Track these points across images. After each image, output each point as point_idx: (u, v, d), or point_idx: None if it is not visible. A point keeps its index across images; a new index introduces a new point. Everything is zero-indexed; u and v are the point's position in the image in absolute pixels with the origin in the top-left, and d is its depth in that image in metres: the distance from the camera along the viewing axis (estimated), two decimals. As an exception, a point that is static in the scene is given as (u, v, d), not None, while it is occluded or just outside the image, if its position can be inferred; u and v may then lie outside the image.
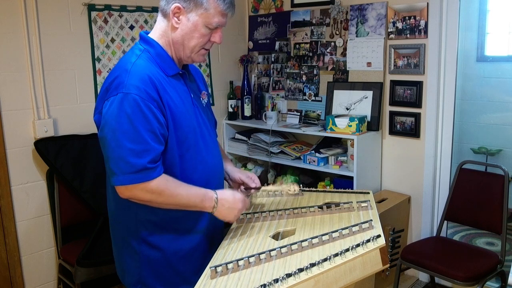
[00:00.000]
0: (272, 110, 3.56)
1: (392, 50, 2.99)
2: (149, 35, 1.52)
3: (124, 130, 1.34)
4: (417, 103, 2.93)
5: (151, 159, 1.37)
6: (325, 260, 1.30)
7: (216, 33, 1.50)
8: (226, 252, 1.44)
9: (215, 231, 1.67)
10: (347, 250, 1.35)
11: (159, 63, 1.48)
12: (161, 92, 1.42)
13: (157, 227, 1.52)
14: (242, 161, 3.81)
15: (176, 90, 1.49)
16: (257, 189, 1.78)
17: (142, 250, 1.53)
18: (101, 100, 1.43)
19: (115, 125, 1.35)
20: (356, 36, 3.13)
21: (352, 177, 2.92)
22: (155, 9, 3.15)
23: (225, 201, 1.51)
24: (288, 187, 1.83)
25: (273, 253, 1.36)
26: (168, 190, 1.41)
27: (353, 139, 2.89)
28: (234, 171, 1.79)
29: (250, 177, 1.77)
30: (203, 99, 1.66)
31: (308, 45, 3.42)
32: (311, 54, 3.41)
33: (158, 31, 1.51)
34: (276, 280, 1.21)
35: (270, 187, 1.82)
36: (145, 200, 1.41)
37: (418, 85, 2.92)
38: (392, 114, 3.05)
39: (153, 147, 1.38)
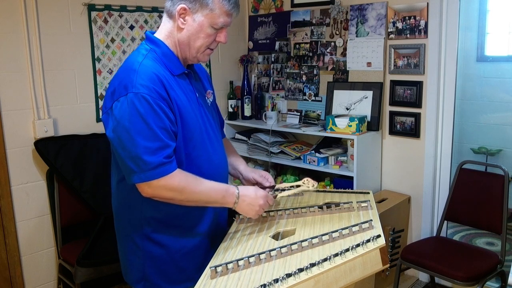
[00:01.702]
0: (272, 110, 3.56)
1: (392, 50, 2.99)
2: (155, 35, 1.54)
3: (138, 129, 1.36)
4: (417, 103, 2.93)
5: (167, 155, 1.39)
6: (325, 260, 1.30)
7: (221, 33, 1.52)
8: (226, 252, 1.44)
9: (219, 228, 1.67)
10: (347, 250, 1.34)
11: (166, 63, 1.49)
12: (169, 91, 1.43)
13: (161, 224, 1.53)
14: (242, 161, 3.80)
15: (182, 90, 1.51)
16: (271, 187, 1.77)
17: (145, 247, 1.54)
18: (109, 100, 1.44)
19: (129, 125, 1.37)
20: (356, 36, 3.13)
21: (352, 177, 2.92)
22: (155, 9, 3.15)
23: (246, 197, 1.53)
24: (306, 185, 1.73)
25: (273, 253, 1.36)
26: (190, 187, 1.43)
27: (353, 139, 2.89)
28: (248, 170, 1.79)
29: (264, 176, 1.77)
30: (208, 98, 1.67)
31: (308, 45, 3.42)
32: (311, 54, 3.41)
33: (164, 31, 1.52)
34: (276, 280, 1.21)
35: (284, 185, 1.78)
36: (167, 197, 1.43)
37: (418, 85, 2.92)
38: (392, 114, 3.05)
39: (168, 143, 1.40)
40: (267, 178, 1.77)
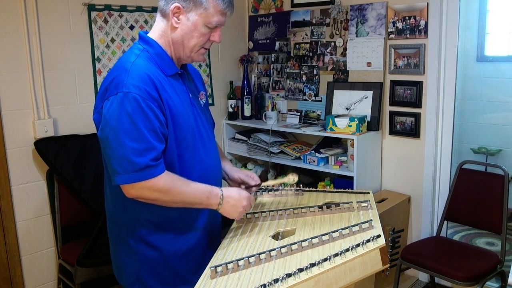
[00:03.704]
0: (272, 110, 3.56)
1: (392, 50, 2.99)
2: (148, 35, 1.53)
3: (126, 129, 1.35)
4: (417, 103, 2.93)
5: (153, 157, 1.37)
6: (325, 260, 1.30)
7: (215, 32, 1.51)
8: (226, 252, 1.44)
9: (213, 230, 1.67)
10: (347, 250, 1.35)
11: (158, 63, 1.48)
12: (160, 91, 1.42)
13: (155, 227, 1.52)
14: (242, 161, 3.81)
15: (175, 90, 1.49)
16: (257, 186, 1.77)
17: (139, 250, 1.53)
18: (101, 99, 1.43)
19: (116, 125, 1.35)
20: (356, 36, 3.13)
21: (352, 177, 2.92)
22: (155, 9, 3.15)
23: (230, 198, 1.52)
24: (287, 178, 1.81)
25: (273, 253, 1.36)
26: (175, 188, 1.42)
27: (353, 139, 2.89)
28: (233, 170, 1.79)
29: (249, 175, 1.77)
30: (201, 100, 1.67)
31: (308, 45, 3.42)
32: (311, 54, 3.41)
33: (158, 31, 1.51)
34: (276, 280, 1.21)
35: (270, 182, 1.82)
36: (152, 198, 1.42)
37: (418, 85, 2.92)
38: (392, 114, 3.05)
39: (155, 145, 1.38)
40: (252, 177, 1.77)
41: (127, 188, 1.39)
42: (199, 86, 1.70)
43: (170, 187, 1.41)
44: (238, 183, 1.78)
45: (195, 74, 1.72)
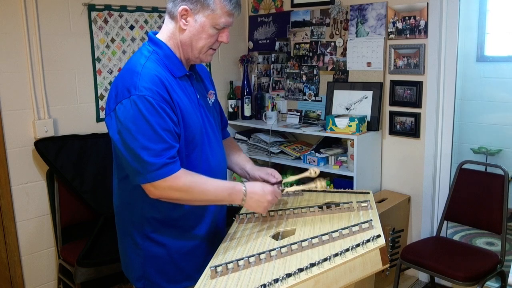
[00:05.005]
0: (272, 110, 3.56)
1: (392, 50, 2.99)
2: (157, 36, 1.54)
3: (142, 131, 1.37)
4: (417, 103, 2.93)
5: (171, 156, 1.40)
6: (325, 260, 1.30)
7: (223, 33, 1.52)
8: (226, 252, 1.44)
9: (218, 228, 1.69)
10: (347, 250, 1.34)
11: (168, 65, 1.50)
12: (171, 93, 1.44)
13: (161, 224, 1.54)
14: (242, 161, 3.80)
15: (184, 91, 1.51)
16: (279, 183, 1.77)
17: (145, 246, 1.55)
18: (113, 102, 1.45)
19: (133, 127, 1.37)
20: (356, 36, 3.13)
21: (352, 177, 2.92)
22: (155, 9, 3.15)
23: (253, 194, 1.54)
24: (308, 172, 1.80)
25: (273, 253, 1.36)
26: (196, 187, 1.45)
27: (353, 139, 2.89)
28: (254, 169, 1.80)
29: (270, 173, 1.77)
30: (209, 99, 1.68)
31: (308, 45, 3.42)
32: (311, 54, 3.41)
33: (166, 32, 1.53)
34: (276, 280, 1.21)
35: (292, 178, 1.80)
36: (174, 198, 1.45)
37: (418, 85, 2.92)
38: (392, 114, 3.05)
39: (172, 145, 1.41)
40: (273, 175, 1.77)
41: (150, 189, 1.42)
42: (208, 85, 1.72)
43: (190, 185, 1.43)
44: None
45: (204, 73, 1.73)
